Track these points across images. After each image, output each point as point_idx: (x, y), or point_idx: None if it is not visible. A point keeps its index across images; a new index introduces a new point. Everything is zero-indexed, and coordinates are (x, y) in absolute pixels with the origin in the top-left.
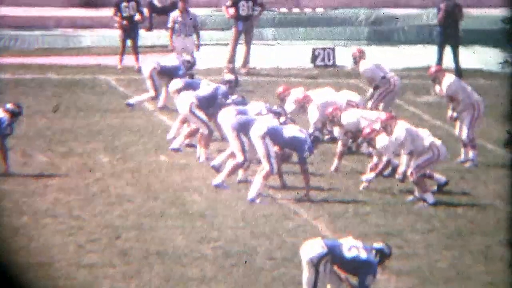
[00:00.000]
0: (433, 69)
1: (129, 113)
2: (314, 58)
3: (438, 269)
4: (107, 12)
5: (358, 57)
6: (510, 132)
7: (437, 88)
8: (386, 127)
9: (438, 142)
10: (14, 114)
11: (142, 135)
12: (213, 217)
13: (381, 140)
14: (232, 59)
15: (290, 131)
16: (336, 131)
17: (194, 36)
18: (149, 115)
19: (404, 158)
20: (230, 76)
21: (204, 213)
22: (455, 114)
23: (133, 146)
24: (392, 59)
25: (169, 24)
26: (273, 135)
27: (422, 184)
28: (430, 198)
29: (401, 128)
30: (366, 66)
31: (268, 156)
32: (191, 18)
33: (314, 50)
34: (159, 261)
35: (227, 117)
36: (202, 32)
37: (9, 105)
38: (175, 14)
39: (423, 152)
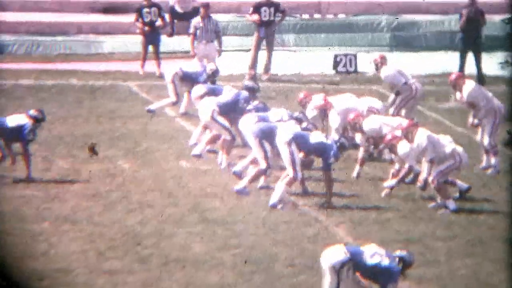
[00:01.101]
0: (453, 76)
1: (150, 119)
2: (336, 64)
3: (459, 277)
4: (129, 18)
5: (380, 63)
6: (510, 132)
7: (458, 94)
8: (408, 134)
9: (459, 149)
10: (37, 120)
11: (163, 141)
12: (233, 224)
13: (403, 147)
14: (253, 65)
15: (316, 137)
16: (358, 137)
17: (216, 42)
18: (171, 121)
19: (425, 166)
20: (251, 83)
21: (224, 219)
22: (476, 121)
23: (154, 152)
24: (413, 65)
25: (191, 30)
26: (300, 141)
27: (443, 191)
28: (451, 204)
29: (422, 135)
30: (388, 72)
31: (294, 162)
32: (213, 24)
33: (336, 56)
34: (179, 268)
35: (249, 124)
36: (223, 38)
37: (32, 111)
38: (196, 20)
39: (445, 159)
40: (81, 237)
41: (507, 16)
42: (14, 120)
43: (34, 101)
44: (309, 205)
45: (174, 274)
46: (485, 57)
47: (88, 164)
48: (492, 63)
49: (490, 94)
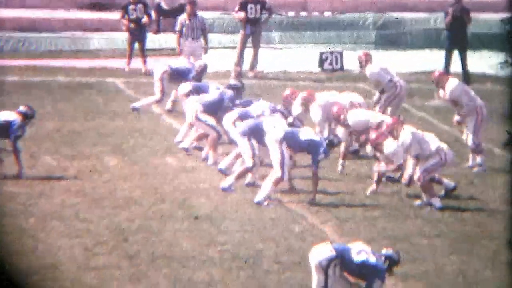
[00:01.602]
0: (436, 73)
1: (136, 116)
2: (321, 62)
3: (445, 274)
4: (115, 15)
5: (365, 61)
6: (510, 133)
7: (441, 92)
8: (393, 132)
9: (444, 146)
10: (27, 117)
11: (149, 138)
12: (220, 221)
13: (389, 146)
14: (239, 63)
15: (306, 134)
16: (340, 131)
17: (202, 39)
18: (157, 118)
19: (410, 162)
20: (236, 81)
21: (211, 216)
22: (459, 118)
23: (140, 149)
24: (399, 63)
25: (177, 28)
26: (290, 139)
27: (429, 189)
28: (437, 202)
29: (407, 132)
30: (373, 69)
31: (282, 162)
32: (199, 22)
33: (321, 54)
34: (166, 264)
35: (232, 120)
36: (209, 36)
37: (21, 107)
38: (183, 18)
39: (430, 156)
40: (68, 233)
41: (503, 15)
42: (2, 116)
43: (20, 97)
44: (295, 202)
45: (162, 270)
46: (471, 55)
47: (75, 161)
48: (479, 61)
49: (472, 93)
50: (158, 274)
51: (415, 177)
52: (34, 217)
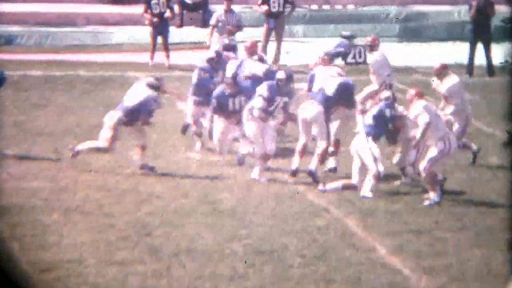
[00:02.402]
0: (438, 65)
1: (159, 111)
2: (345, 55)
3: (468, 267)
4: (138, 9)
5: (373, 46)
6: (510, 132)
7: (437, 82)
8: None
9: (451, 134)
10: None
11: (172, 132)
12: (243, 215)
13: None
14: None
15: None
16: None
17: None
18: (179, 113)
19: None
20: (283, 74)
21: (234, 210)
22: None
23: (163, 144)
24: (422, 56)
25: (212, 22)
26: None
27: (432, 181)
28: (436, 197)
29: (421, 103)
30: (377, 58)
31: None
32: (235, 19)
33: None
34: (189, 259)
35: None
36: None
37: None
38: (219, 13)
39: (436, 139)
40: (91, 227)
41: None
42: None
43: (43, 92)
44: (318, 195)
45: (185, 264)
46: (494, 47)
47: (98, 156)
48: (501, 53)
49: (467, 97)
50: (181, 269)
51: (421, 168)
52: (57, 212)
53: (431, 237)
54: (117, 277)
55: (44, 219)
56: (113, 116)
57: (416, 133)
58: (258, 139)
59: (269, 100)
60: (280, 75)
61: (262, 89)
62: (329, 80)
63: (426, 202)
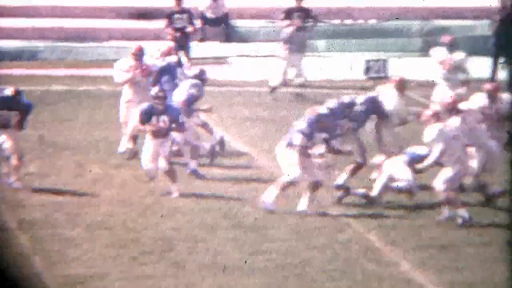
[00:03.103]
0: (490, 85)
1: None
2: (367, 70)
3: (492, 283)
4: (160, 24)
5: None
6: (510, 132)
7: (486, 102)
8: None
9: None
10: None
11: None
12: (266, 229)
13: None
14: (285, 71)
15: None
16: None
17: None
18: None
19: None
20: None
21: (257, 225)
22: None
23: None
24: None
25: (284, 36)
26: None
27: (454, 200)
28: (465, 214)
29: (435, 127)
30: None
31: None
32: (304, 36)
33: (367, 61)
34: (212, 273)
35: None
36: (254, 44)
37: None
38: (291, 29)
39: (452, 162)
40: (114, 242)
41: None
42: None
43: (65, 106)
44: (341, 210)
45: (207, 279)
46: None
47: (121, 170)
48: None
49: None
50: (204, 283)
51: (439, 189)
52: (81, 227)
53: (455, 252)
54: None
55: (67, 233)
56: None
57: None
58: (302, 170)
59: (308, 135)
60: (322, 110)
61: (301, 123)
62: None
63: (459, 221)
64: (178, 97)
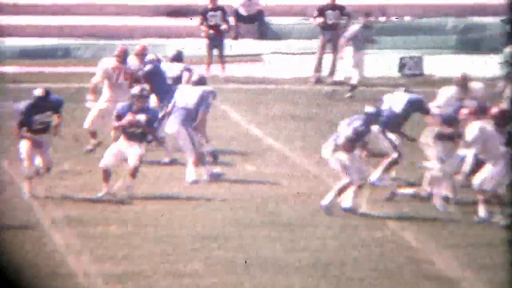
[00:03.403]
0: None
1: (215, 123)
2: (401, 67)
3: None
4: (194, 22)
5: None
6: (510, 132)
7: None
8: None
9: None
10: None
11: (228, 144)
12: (300, 227)
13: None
14: (318, 68)
15: None
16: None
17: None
18: (236, 124)
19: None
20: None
21: (291, 222)
22: None
23: (220, 155)
24: (480, 68)
25: (346, 35)
26: None
27: (499, 199)
28: (502, 219)
29: (475, 126)
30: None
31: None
32: (369, 34)
33: (401, 59)
34: (246, 271)
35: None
36: (288, 42)
37: None
38: (357, 27)
39: (494, 159)
40: (162, 239)
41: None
42: None
43: None
44: (375, 208)
45: (241, 276)
46: None
47: (156, 167)
48: None
49: None
50: (238, 280)
51: (484, 187)
52: (128, 224)
53: (491, 249)
54: None
55: (114, 230)
56: None
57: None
58: (350, 169)
59: (361, 134)
60: (369, 109)
61: (356, 121)
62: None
63: (502, 223)
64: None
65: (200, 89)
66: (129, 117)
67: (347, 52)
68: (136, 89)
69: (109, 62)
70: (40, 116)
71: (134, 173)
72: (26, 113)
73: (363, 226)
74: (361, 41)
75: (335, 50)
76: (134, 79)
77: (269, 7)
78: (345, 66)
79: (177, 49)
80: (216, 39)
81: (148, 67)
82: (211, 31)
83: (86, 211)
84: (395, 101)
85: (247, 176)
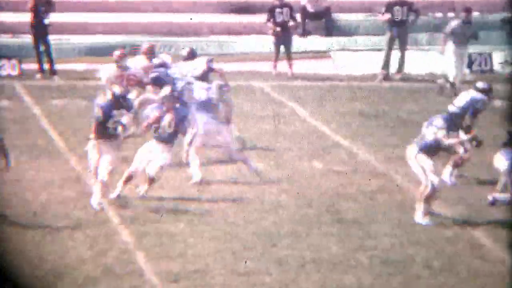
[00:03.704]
0: None
1: (283, 119)
2: (470, 63)
3: None
4: (261, 18)
5: None
6: (510, 132)
7: None
8: None
9: None
10: None
11: (295, 141)
12: (368, 225)
13: None
14: (386, 65)
15: None
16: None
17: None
18: (303, 121)
19: None
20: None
21: (359, 220)
22: None
23: (287, 153)
24: None
25: (447, 31)
26: None
27: None
28: None
29: None
30: None
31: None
32: (470, 30)
33: (470, 55)
34: (315, 269)
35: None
36: (355, 38)
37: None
38: (456, 22)
39: None
40: (216, 237)
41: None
42: None
43: None
44: (444, 206)
45: (310, 275)
46: None
47: (222, 165)
48: None
49: None
50: (307, 279)
51: None
52: (183, 222)
53: None
54: (243, 287)
55: (170, 228)
56: None
57: None
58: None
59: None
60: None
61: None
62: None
63: None
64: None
65: (216, 83)
66: (157, 115)
67: (448, 48)
68: (165, 91)
69: (110, 70)
70: (117, 113)
71: (150, 182)
72: (106, 109)
73: (432, 225)
74: (462, 37)
75: (402, 47)
76: (139, 82)
77: (336, 3)
78: (445, 62)
79: (190, 47)
80: (283, 36)
81: (153, 75)
82: (278, 28)
83: (142, 209)
84: (461, 98)
85: (314, 173)
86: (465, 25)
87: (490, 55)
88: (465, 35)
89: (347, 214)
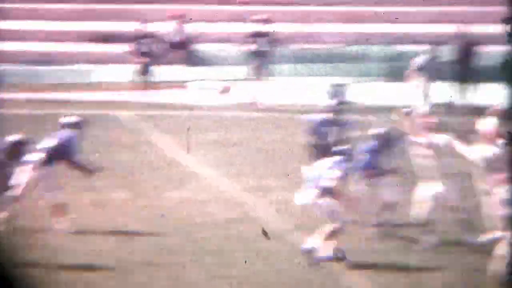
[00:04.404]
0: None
1: (142, 148)
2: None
3: None
4: (123, 47)
5: None
6: (510, 132)
7: None
8: None
9: None
10: None
11: (155, 170)
12: (226, 254)
13: None
14: (252, 94)
15: None
16: None
17: None
18: (162, 150)
19: None
20: None
21: (216, 249)
22: None
23: (146, 182)
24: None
25: (416, 64)
26: None
27: None
28: None
29: None
30: None
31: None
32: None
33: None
34: None
35: None
36: (213, 68)
37: None
38: (423, 57)
39: None
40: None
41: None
42: None
43: (28, 130)
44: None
45: None
46: None
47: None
48: None
49: None
50: None
51: None
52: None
53: None
54: None
55: None
56: None
57: None
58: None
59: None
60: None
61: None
62: None
63: None
64: None
65: None
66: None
67: (416, 82)
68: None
69: None
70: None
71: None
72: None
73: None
74: (429, 71)
75: (259, 76)
76: None
77: (197, 34)
78: (412, 95)
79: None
80: (145, 66)
81: None
82: (141, 58)
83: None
84: None
85: (173, 202)
86: (432, 60)
87: (345, 87)
88: (432, 69)
89: (204, 243)
